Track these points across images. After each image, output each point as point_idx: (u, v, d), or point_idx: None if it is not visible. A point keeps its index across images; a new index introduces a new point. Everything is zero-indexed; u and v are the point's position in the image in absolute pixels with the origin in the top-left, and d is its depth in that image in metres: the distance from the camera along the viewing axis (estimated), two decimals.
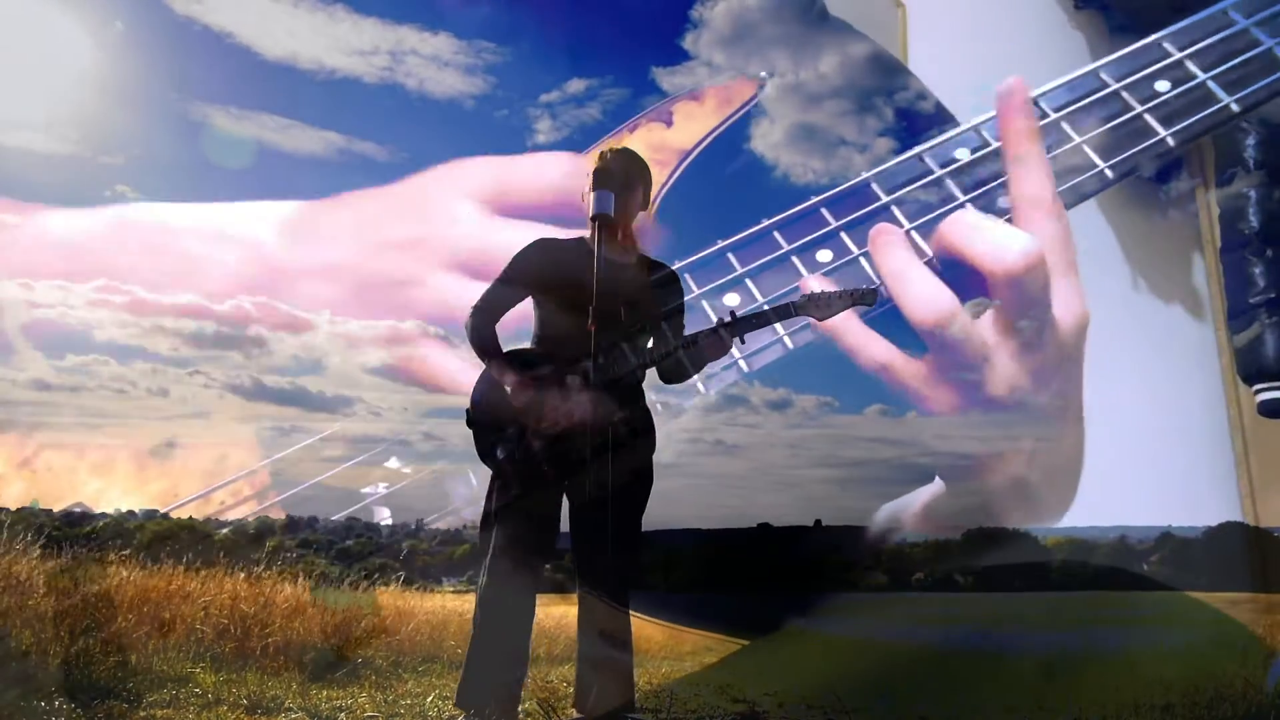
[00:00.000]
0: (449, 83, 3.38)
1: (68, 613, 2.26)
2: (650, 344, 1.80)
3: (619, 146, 1.83)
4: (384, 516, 2.67)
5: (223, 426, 2.82)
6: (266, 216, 3.00)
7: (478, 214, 2.91)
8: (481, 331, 1.78)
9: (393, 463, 2.67)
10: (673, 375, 1.82)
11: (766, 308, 1.78)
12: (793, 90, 3.37)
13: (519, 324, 1.81)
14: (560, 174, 3.01)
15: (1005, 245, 2.74)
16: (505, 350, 1.77)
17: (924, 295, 2.79)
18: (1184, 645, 2.83)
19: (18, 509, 2.62)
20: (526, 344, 1.80)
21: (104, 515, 2.63)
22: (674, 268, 1.87)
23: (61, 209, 2.92)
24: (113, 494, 2.71)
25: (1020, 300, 2.77)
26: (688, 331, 1.82)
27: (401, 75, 3.32)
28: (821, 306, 1.74)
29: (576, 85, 3.40)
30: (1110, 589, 3.52)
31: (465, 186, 2.98)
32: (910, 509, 3.14)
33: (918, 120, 3.48)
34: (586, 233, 1.81)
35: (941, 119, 3.39)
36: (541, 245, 1.81)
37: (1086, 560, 3.52)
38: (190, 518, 2.66)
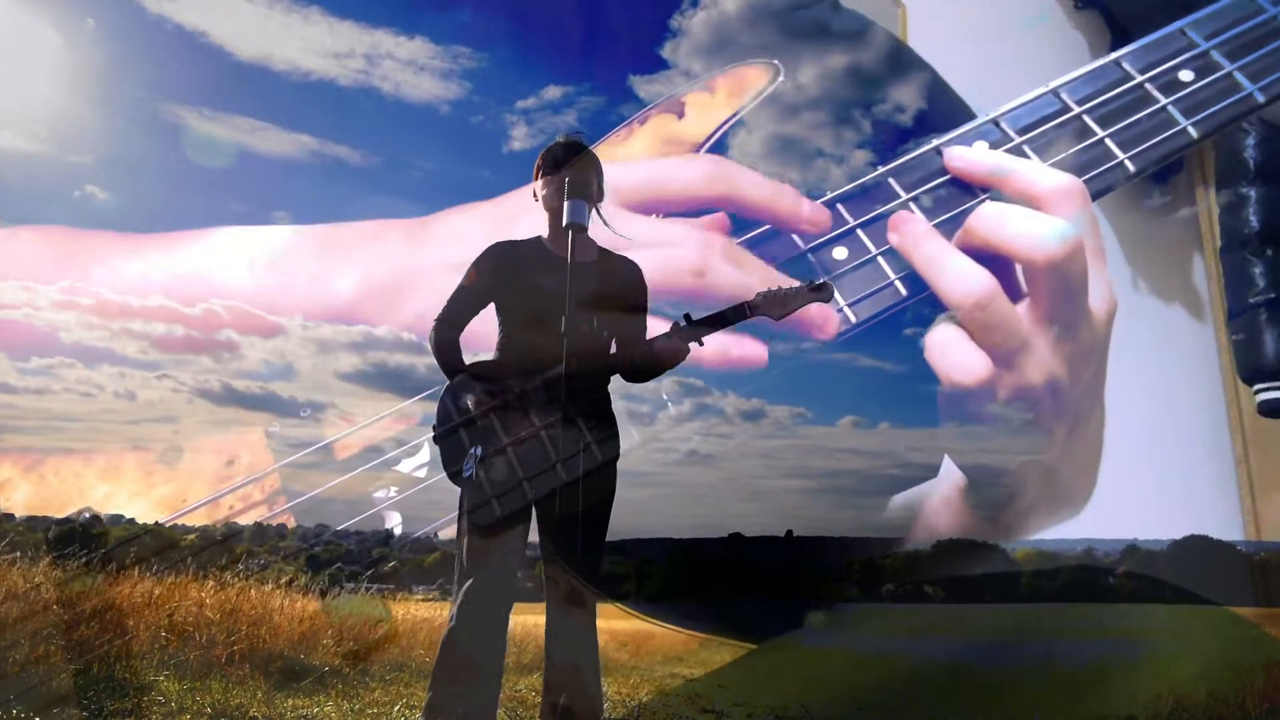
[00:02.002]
0: (425, 87, 3.35)
1: (28, 619, 2.24)
2: (616, 343, 1.81)
3: (572, 142, 1.82)
4: (395, 522, 2.64)
5: (191, 430, 2.79)
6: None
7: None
8: (444, 346, 1.77)
9: (404, 466, 2.64)
10: (635, 377, 1.83)
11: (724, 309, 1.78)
12: (771, 100, 3.36)
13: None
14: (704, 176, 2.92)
15: (1042, 232, 2.68)
16: (470, 363, 1.77)
17: (962, 275, 2.71)
18: (1151, 656, 2.87)
19: None
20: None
21: (67, 520, 2.59)
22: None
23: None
24: (119, 499, 2.69)
25: (1060, 289, 2.70)
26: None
27: (377, 79, 3.30)
28: (777, 305, 1.75)
29: (553, 92, 3.39)
30: (1078, 601, 3.55)
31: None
32: (929, 499, 3.08)
33: (903, 132, 3.46)
34: (542, 233, 1.82)
35: (924, 129, 3.38)
36: (499, 249, 1.81)
37: (1056, 571, 3.55)
38: (156, 523, 2.63)
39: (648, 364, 1.77)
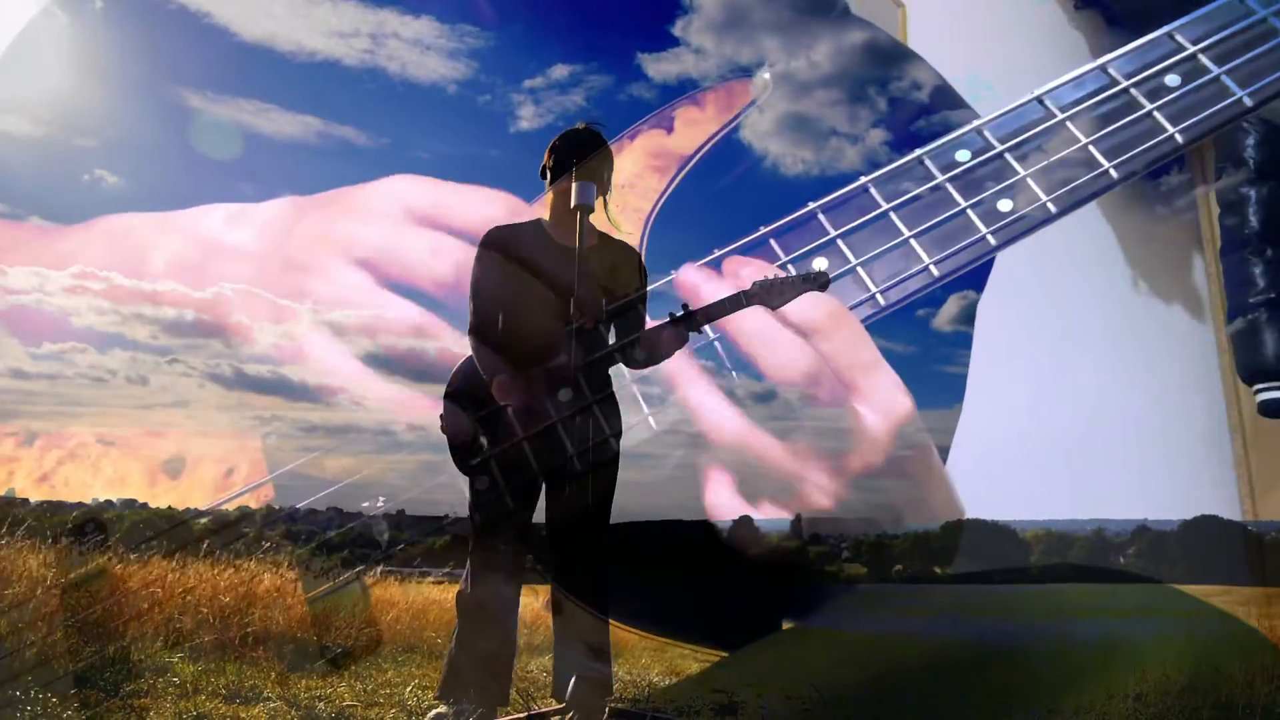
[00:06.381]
0: (431, 67, 3.32)
1: (45, 603, 2.26)
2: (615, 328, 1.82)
3: (589, 129, 1.83)
4: (383, 532, 2.67)
5: (203, 415, 2.80)
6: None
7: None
8: (487, 356, 1.76)
9: (394, 479, 2.66)
10: (634, 363, 1.84)
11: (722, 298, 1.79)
12: (784, 79, 3.32)
13: None
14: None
15: (787, 359, 2.68)
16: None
17: (717, 418, 2.71)
18: (1160, 635, 2.88)
19: None
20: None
21: (80, 505, 2.62)
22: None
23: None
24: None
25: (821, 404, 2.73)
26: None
27: (383, 59, 3.27)
28: (774, 294, 1.77)
29: (560, 71, 3.36)
30: (1088, 581, 3.56)
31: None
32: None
33: (917, 110, 3.42)
34: (539, 215, 1.83)
35: (935, 108, 3.34)
36: (498, 234, 1.81)
37: (1065, 552, 3.56)
38: (169, 506, 2.65)
39: (650, 354, 1.78)
